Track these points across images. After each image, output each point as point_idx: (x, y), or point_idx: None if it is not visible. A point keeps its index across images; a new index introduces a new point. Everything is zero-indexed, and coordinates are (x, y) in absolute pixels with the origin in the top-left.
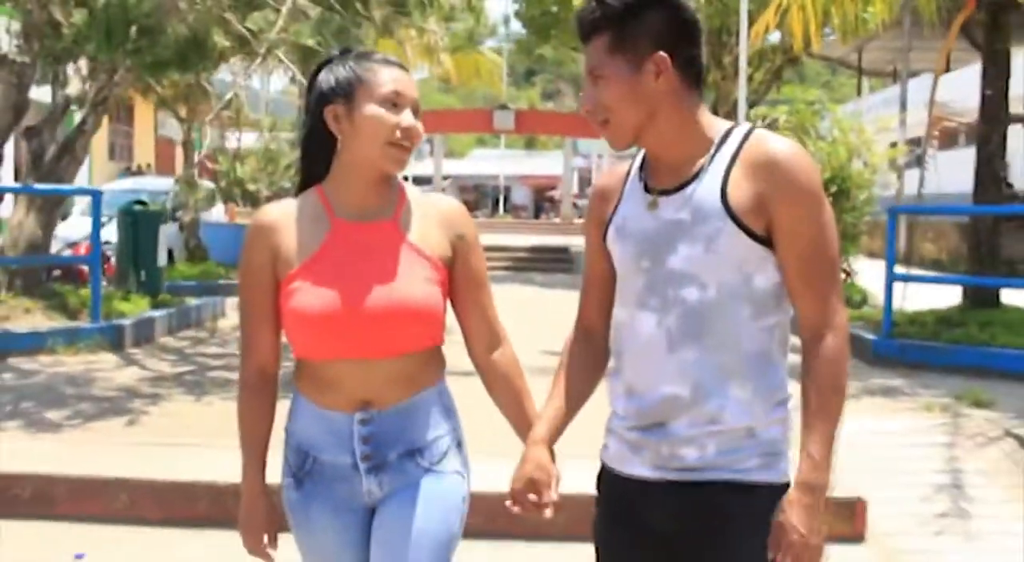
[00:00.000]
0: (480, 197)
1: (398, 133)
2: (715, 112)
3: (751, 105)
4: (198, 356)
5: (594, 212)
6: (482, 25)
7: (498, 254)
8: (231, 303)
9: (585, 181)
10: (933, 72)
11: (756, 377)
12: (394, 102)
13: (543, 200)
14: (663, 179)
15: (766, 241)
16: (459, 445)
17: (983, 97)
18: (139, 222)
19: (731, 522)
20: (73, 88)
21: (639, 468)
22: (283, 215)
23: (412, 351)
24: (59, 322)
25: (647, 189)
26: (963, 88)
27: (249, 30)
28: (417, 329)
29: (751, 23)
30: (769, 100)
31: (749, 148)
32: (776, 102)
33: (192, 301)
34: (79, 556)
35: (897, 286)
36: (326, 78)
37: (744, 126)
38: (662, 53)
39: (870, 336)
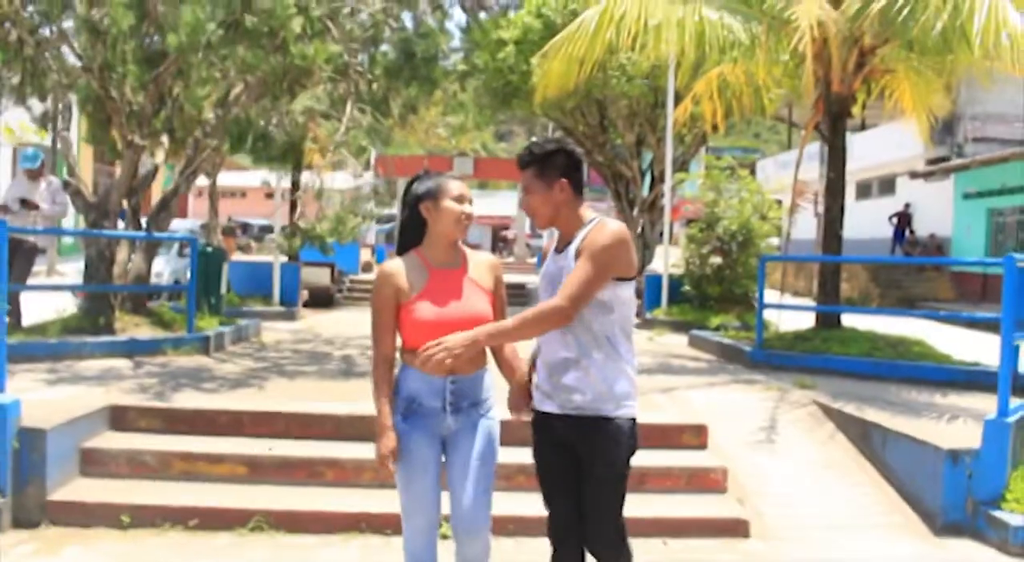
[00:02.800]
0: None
1: (463, 217)
2: (652, 170)
3: (682, 163)
4: (267, 358)
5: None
6: (470, 120)
7: None
8: (263, 325)
9: None
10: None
11: (606, 348)
12: (459, 199)
13: (498, 240)
14: (561, 243)
15: None
16: (495, 403)
17: (828, 179)
18: (209, 260)
19: (599, 438)
20: (159, 158)
21: (550, 407)
22: (398, 267)
23: None
24: (163, 333)
25: (556, 249)
26: (865, 146)
27: (326, 136)
28: None
29: (679, 100)
30: (713, 147)
31: (594, 226)
32: (716, 151)
33: (241, 321)
34: (271, 448)
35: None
36: (419, 186)
37: (600, 217)
38: (563, 179)
39: (747, 348)
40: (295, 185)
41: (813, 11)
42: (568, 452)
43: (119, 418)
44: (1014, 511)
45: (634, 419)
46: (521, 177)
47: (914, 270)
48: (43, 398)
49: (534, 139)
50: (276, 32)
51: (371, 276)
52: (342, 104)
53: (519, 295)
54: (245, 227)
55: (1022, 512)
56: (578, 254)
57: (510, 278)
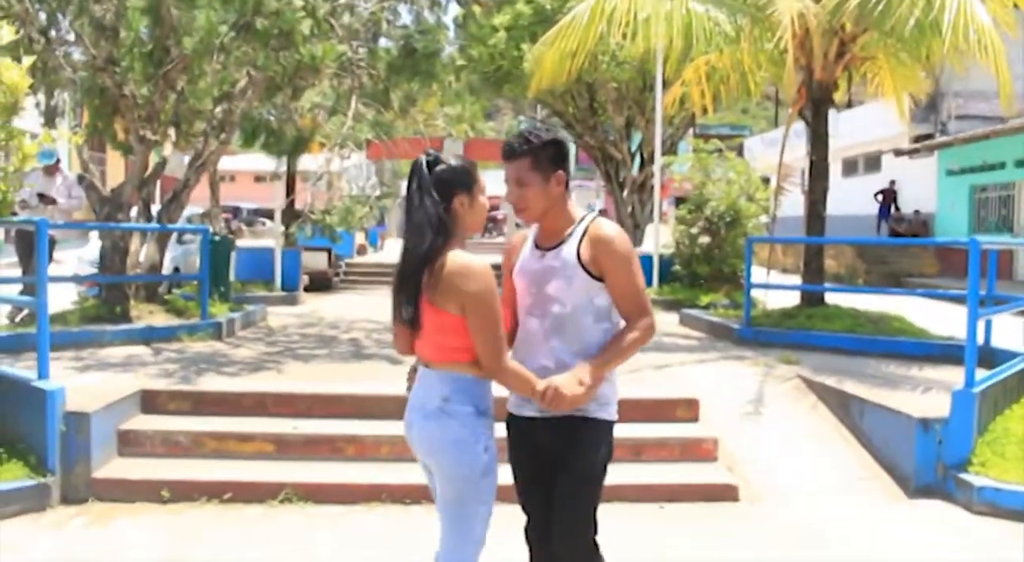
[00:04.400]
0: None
1: (488, 210)
2: (641, 152)
3: (671, 144)
4: (278, 342)
5: (507, 258)
6: (472, 115)
7: None
8: (267, 309)
9: None
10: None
11: (589, 357)
12: (483, 191)
13: (487, 220)
14: (546, 241)
15: (600, 279)
16: None
17: (811, 162)
18: (217, 248)
19: (578, 440)
20: (166, 150)
21: (529, 411)
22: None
23: None
24: (177, 320)
25: (537, 246)
26: (851, 124)
27: (332, 130)
28: None
29: (667, 85)
30: (702, 125)
31: (591, 229)
32: (705, 128)
33: (248, 307)
34: (295, 426)
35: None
36: (450, 174)
37: (591, 214)
38: (560, 171)
39: (736, 325)
40: (291, 171)
41: (794, 5)
42: (544, 455)
43: (150, 401)
44: (979, 474)
45: (612, 423)
46: (510, 167)
47: (899, 246)
48: (77, 384)
49: (520, 120)
50: (286, 33)
51: (366, 259)
52: (347, 98)
53: None
54: (235, 211)
55: (986, 475)
56: (584, 261)
57: (497, 259)
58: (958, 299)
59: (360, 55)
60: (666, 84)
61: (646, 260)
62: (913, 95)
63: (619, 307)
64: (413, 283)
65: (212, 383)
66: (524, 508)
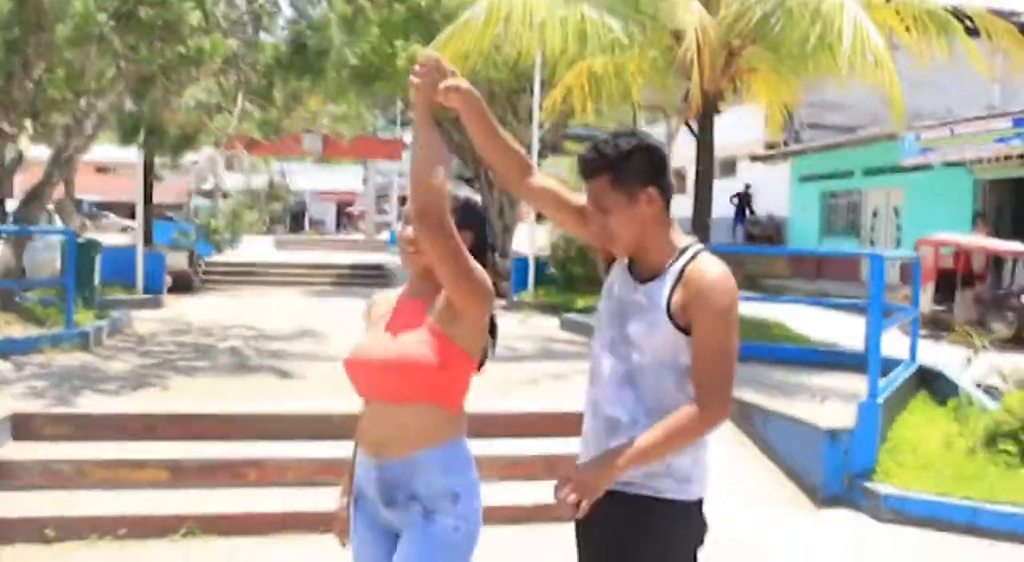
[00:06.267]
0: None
1: (402, 243)
2: None
3: (553, 147)
4: (152, 353)
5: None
6: (351, 109)
7: (323, 272)
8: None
9: (382, 199)
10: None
11: None
12: (406, 220)
13: (342, 215)
14: (641, 271)
15: (690, 332)
16: (456, 499)
17: (697, 171)
18: (81, 251)
19: (650, 522)
20: (23, 146)
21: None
22: (380, 297)
23: (409, 401)
24: (37, 330)
25: (631, 272)
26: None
27: (218, 128)
28: (406, 379)
29: (544, 87)
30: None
31: (691, 267)
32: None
33: (114, 313)
34: (190, 450)
35: None
36: None
37: (696, 247)
38: (651, 188)
39: None
40: (149, 162)
41: (695, 18)
42: (609, 531)
43: (23, 426)
44: (883, 482)
45: (700, 500)
46: (588, 188)
47: (752, 253)
48: None
49: (375, 115)
50: (171, 24)
51: (225, 258)
52: (232, 95)
53: (380, 275)
54: (77, 204)
55: (890, 483)
56: (674, 308)
57: (368, 258)
58: (847, 308)
59: (246, 50)
60: (544, 86)
61: (522, 262)
62: (787, 105)
63: (692, 371)
64: None
65: (92, 404)
66: None
